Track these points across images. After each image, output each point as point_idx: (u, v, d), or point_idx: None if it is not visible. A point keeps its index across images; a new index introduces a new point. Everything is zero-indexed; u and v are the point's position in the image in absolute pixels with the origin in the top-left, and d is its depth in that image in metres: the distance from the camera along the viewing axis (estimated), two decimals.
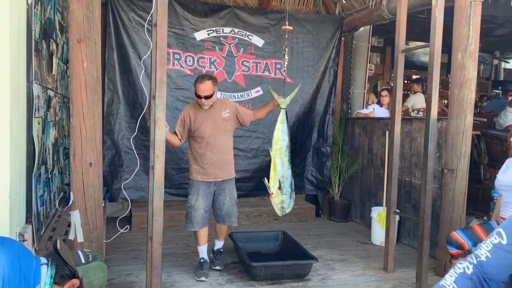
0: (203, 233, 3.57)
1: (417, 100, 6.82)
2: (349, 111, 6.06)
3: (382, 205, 4.73)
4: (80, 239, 2.55)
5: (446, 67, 9.54)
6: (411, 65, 9.15)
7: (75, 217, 2.53)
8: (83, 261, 1.90)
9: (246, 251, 3.90)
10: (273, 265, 3.32)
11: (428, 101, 3.20)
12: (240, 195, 5.23)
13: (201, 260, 3.51)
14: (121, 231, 3.05)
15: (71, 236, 2.56)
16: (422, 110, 6.33)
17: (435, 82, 3.13)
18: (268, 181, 3.51)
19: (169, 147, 4.80)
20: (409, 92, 7.88)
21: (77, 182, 2.54)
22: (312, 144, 5.52)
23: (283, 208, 3.42)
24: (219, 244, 3.75)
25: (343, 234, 4.86)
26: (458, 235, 2.95)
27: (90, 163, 2.56)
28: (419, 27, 5.34)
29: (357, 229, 5.09)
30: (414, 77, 9.49)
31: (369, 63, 6.60)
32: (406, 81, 8.84)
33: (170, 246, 4.18)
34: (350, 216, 5.51)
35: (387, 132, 4.74)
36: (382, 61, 9.00)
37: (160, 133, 2.48)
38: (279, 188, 3.40)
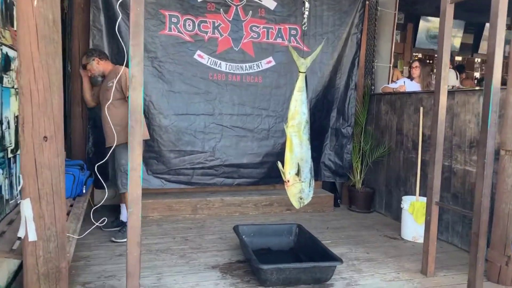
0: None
1: (449, 77, 6.04)
2: (373, 87, 5.33)
3: (413, 194, 4.05)
4: (32, 237, 1.92)
5: (471, 48, 8.74)
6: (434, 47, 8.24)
7: (25, 208, 1.90)
8: None
9: (254, 247, 3.27)
10: (287, 268, 2.66)
11: (489, 61, 2.48)
12: (250, 182, 4.61)
13: None
14: (96, 224, 2.43)
15: (20, 233, 1.93)
16: (455, 87, 5.58)
17: (499, 36, 2.40)
18: (283, 166, 2.85)
19: (161, 126, 4.18)
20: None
21: (27, 161, 1.90)
22: (331, 124, 4.83)
23: (301, 199, 2.76)
24: (124, 214, 3.75)
25: (367, 227, 4.19)
26: None
27: (45, 137, 1.91)
28: None
29: (382, 221, 4.42)
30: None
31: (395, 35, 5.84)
32: (429, 61, 8.06)
33: (165, 240, 3.56)
34: (374, 206, 4.83)
35: (421, 109, 4.03)
36: (402, 39, 8.17)
37: (136, 96, 1.82)
38: (297, 174, 2.74)
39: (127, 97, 3.41)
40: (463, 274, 3.02)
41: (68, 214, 2.83)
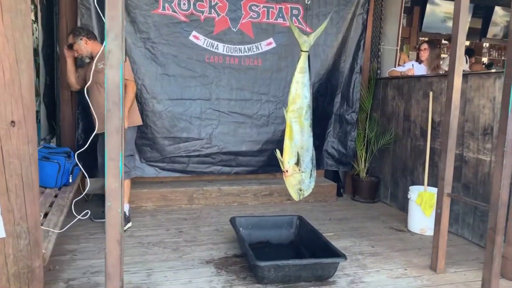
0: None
1: None
2: (378, 71, 5.08)
3: (421, 184, 3.84)
4: (1, 233, 1.72)
5: (479, 33, 8.42)
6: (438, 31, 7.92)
7: None
8: None
9: (251, 240, 3.09)
10: (286, 265, 2.46)
11: (511, 38, 2.23)
12: (249, 171, 4.41)
13: None
14: (78, 217, 2.22)
15: None
16: (465, 71, 5.32)
17: None
18: (282, 154, 2.64)
19: (155, 111, 3.97)
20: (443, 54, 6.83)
21: None
22: (334, 110, 4.59)
23: (301, 190, 2.55)
24: None
25: (372, 219, 3.98)
26: None
27: (12, 122, 1.70)
28: None
29: (387, 212, 4.21)
30: (444, 41, 8.43)
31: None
32: (439, 46, 7.76)
33: (158, 232, 3.36)
34: (379, 196, 4.62)
35: (430, 93, 3.78)
36: (409, 23, 7.86)
37: (113, 75, 1.60)
38: (297, 163, 2.52)
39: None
40: (475, 270, 2.83)
41: (51, 205, 2.64)
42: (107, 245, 1.68)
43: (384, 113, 4.54)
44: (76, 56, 3.39)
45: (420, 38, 8.10)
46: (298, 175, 2.55)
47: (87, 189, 2.45)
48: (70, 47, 3.37)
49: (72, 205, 2.32)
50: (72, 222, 2.26)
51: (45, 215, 2.45)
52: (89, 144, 3.37)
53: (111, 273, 1.69)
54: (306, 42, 2.52)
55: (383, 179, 4.56)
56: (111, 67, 1.60)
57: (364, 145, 4.59)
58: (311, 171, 2.63)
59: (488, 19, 8.20)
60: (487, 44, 9.27)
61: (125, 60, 3.37)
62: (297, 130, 2.59)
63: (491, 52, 9.81)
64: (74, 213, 2.23)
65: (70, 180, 3.10)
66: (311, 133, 2.64)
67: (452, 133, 2.68)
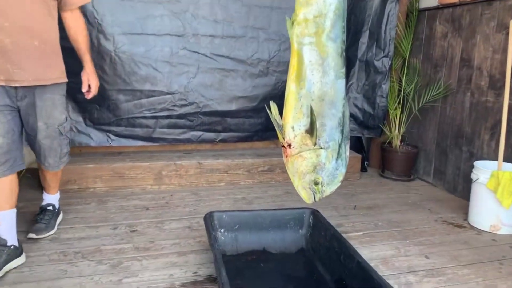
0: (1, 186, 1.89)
1: None
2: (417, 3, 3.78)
3: (485, 157, 2.70)
4: None
5: None
6: None
7: None
8: None
9: (239, 249, 2.05)
10: None
11: None
12: (241, 138, 3.24)
13: None
14: None
15: None
16: None
17: None
18: (281, 114, 1.44)
19: (102, 52, 2.72)
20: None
21: None
22: (359, 55, 3.36)
23: (317, 184, 1.36)
24: (46, 199, 2.28)
25: (413, 206, 2.82)
26: None
27: None
28: None
29: (432, 195, 3.04)
30: None
31: None
32: None
33: (98, 232, 2.22)
34: (416, 172, 3.45)
35: (511, 23, 2.52)
36: None
37: None
38: (310, 131, 1.32)
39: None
40: None
41: None
42: None
43: (429, 58, 3.27)
44: None
45: None
46: (312, 154, 1.34)
47: None
48: None
49: None
50: None
51: None
52: None
53: None
54: None
55: (423, 149, 3.36)
56: None
57: (399, 103, 3.38)
58: (340, 146, 1.41)
59: None
60: None
61: None
62: (312, 61, 1.37)
63: None
64: None
65: None
66: (343, 71, 1.41)
67: None
